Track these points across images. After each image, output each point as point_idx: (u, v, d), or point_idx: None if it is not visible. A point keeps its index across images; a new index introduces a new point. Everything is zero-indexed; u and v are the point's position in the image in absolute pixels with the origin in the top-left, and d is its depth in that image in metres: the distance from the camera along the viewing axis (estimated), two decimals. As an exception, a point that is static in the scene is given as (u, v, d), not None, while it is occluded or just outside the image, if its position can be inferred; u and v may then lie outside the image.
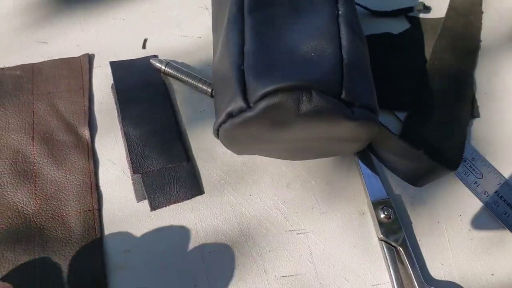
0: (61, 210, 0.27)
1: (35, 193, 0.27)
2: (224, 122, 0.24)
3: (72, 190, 0.27)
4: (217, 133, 0.26)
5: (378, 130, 0.24)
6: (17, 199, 0.27)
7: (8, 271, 0.25)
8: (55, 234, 0.26)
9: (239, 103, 0.23)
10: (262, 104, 0.22)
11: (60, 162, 0.28)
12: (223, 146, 0.29)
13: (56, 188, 0.27)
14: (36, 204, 0.27)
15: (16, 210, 0.27)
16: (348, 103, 0.22)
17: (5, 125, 0.30)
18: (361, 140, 0.25)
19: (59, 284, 0.25)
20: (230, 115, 0.24)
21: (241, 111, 0.23)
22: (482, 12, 0.39)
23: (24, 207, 0.27)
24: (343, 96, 0.22)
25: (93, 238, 0.26)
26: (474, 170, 0.30)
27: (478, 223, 0.29)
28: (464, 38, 0.37)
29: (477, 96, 0.34)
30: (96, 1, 0.36)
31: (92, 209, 0.27)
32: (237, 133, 0.24)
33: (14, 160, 0.28)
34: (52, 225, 0.26)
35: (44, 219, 0.26)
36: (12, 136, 0.29)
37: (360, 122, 0.23)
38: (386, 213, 0.27)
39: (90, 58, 0.33)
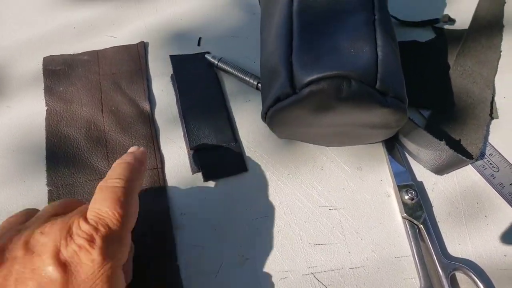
0: None
1: (107, 155, 0.32)
2: (272, 105, 0.28)
3: None
4: (264, 116, 0.30)
5: (407, 118, 0.28)
6: (93, 160, 0.32)
7: None
8: None
9: (286, 89, 0.27)
10: (307, 90, 0.26)
11: (126, 130, 0.33)
12: (267, 129, 0.33)
13: (125, 151, 0.32)
14: (109, 164, 0.32)
15: (93, 168, 0.32)
16: (381, 92, 0.26)
17: (79, 100, 0.35)
18: (391, 126, 0.29)
19: None
20: (278, 99, 0.28)
21: (288, 96, 0.27)
22: (503, 26, 0.42)
23: (100, 166, 0.32)
24: (377, 86, 0.26)
25: (160, 191, 0.31)
26: (491, 164, 0.33)
27: (493, 210, 0.32)
28: (486, 48, 0.40)
29: (496, 99, 0.37)
30: (159, 3, 0.41)
31: (157, 167, 0.32)
32: (283, 115, 0.28)
33: (88, 129, 0.33)
34: None
35: None
36: (85, 109, 0.34)
37: (392, 109, 0.26)
38: (409, 194, 0.31)
39: (145, 44, 0.38)
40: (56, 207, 0.24)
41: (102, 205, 0.22)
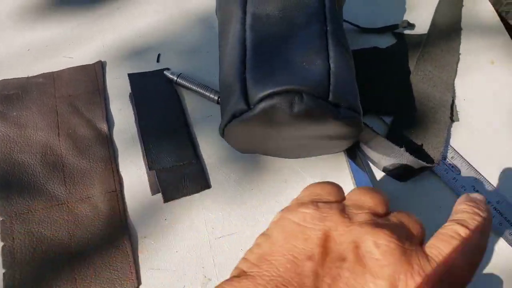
0: (88, 192, 0.31)
1: (65, 180, 0.31)
2: (228, 122, 0.28)
3: (96, 175, 0.32)
4: (222, 132, 0.29)
5: (362, 128, 0.28)
6: (49, 186, 0.31)
7: (45, 247, 0.29)
8: (84, 213, 0.30)
9: (241, 105, 0.27)
10: (260, 106, 0.26)
11: (84, 153, 0.32)
12: (228, 145, 0.32)
13: (82, 175, 0.31)
14: (66, 189, 0.31)
15: (49, 195, 0.31)
16: (334, 104, 0.26)
17: (34, 125, 0.34)
18: (348, 137, 0.29)
19: (89, 254, 0.28)
20: (234, 116, 0.27)
21: (242, 112, 0.27)
22: (461, 29, 0.43)
23: (56, 192, 0.31)
24: (330, 98, 0.26)
25: (118, 216, 0.30)
26: (453, 167, 0.34)
27: (457, 214, 0.32)
28: (445, 52, 0.41)
29: (456, 102, 0.37)
30: (116, 21, 0.41)
31: (115, 190, 0.31)
32: (240, 131, 0.28)
33: (43, 154, 0.32)
34: (81, 206, 0.30)
35: (74, 200, 0.30)
36: (40, 134, 0.33)
37: (346, 121, 0.26)
38: (373, 204, 0.31)
39: (102, 64, 0.38)
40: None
41: (455, 255, 0.17)
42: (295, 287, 0.17)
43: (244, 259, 0.20)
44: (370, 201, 0.21)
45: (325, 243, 0.19)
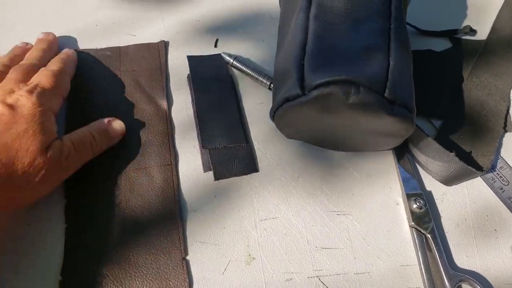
0: (145, 163, 0.32)
1: (126, 148, 0.33)
2: (281, 105, 0.29)
3: (154, 148, 0.33)
4: (273, 115, 0.30)
5: (414, 128, 0.28)
6: (111, 152, 0.33)
7: (103, 208, 0.31)
8: (141, 181, 0.32)
9: (296, 90, 0.27)
10: (315, 92, 0.26)
11: (144, 126, 0.34)
12: (278, 132, 0.33)
13: (141, 146, 0.33)
14: (125, 157, 0.33)
15: (110, 161, 0.33)
16: (389, 100, 0.26)
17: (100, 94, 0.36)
18: (398, 136, 0.29)
19: (141, 220, 0.30)
20: (287, 100, 0.28)
21: (296, 97, 0.28)
22: (522, 38, 0.42)
23: (116, 159, 0.33)
24: (386, 94, 0.26)
25: (171, 188, 0.31)
26: (501, 177, 0.33)
27: (504, 225, 0.32)
28: (503, 60, 0.40)
29: (511, 113, 0.37)
30: (178, 5, 0.42)
31: (170, 164, 0.33)
32: (290, 116, 0.29)
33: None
34: (138, 175, 0.32)
35: (132, 170, 0.32)
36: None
37: (398, 118, 0.27)
38: (418, 203, 0.31)
39: (165, 44, 0.39)
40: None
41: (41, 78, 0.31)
42: None
43: None
44: None
45: None
